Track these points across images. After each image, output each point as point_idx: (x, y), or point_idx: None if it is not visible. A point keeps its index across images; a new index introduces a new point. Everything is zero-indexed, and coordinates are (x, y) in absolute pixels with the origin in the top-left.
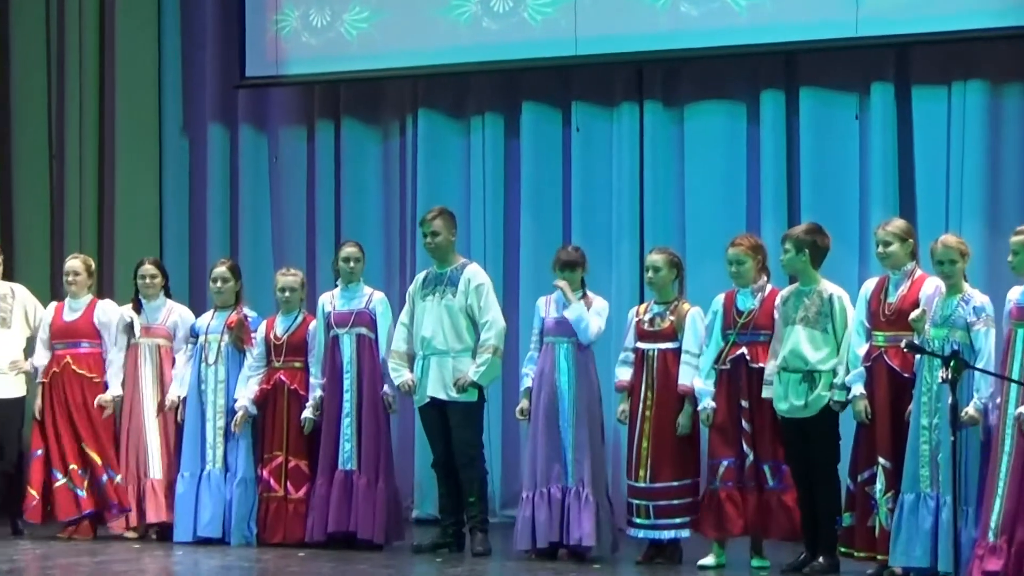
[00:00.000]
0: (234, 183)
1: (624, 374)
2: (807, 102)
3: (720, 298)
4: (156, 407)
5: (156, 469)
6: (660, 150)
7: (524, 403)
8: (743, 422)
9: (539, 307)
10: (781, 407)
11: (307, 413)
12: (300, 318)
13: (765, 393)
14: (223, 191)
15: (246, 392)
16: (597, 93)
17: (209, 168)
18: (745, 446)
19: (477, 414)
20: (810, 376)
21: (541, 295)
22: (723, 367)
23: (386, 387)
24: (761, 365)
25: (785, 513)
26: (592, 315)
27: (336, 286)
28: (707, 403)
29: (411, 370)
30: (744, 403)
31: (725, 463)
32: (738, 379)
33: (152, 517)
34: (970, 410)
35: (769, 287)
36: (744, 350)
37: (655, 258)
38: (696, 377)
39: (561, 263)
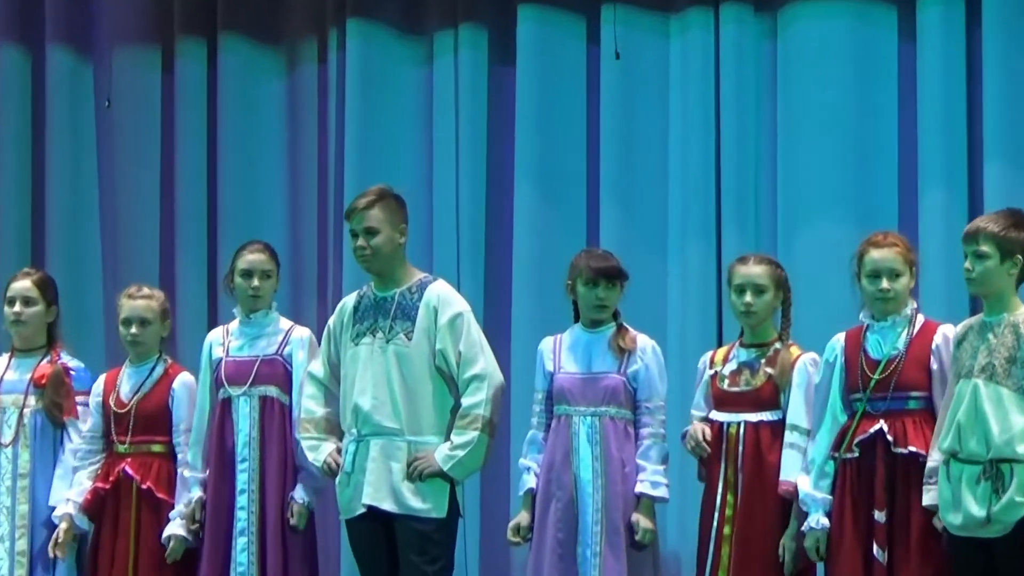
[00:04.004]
0: (38, 142)
1: (703, 426)
2: (997, 2)
3: (839, 340)
4: None
5: None
6: (747, 81)
7: (523, 516)
8: (875, 549)
9: (543, 354)
10: (951, 519)
11: (174, 528)
12: (160, 370)
13: (927, 499)
14: (20, 156)
15: (70, 493)
16: None
17: None
18: None
19: (446, 538)
20: (995, 469)
21: (547, 333)
22: (848, 455)
23: (298, 490)
24: (913, 451)
25: None
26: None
27: (234, 317)
28: (818, 520)
29: (338, 441)
30: (879, 516)
31: None
32: (871, 475)
33: None
34: None
35: (921, 318)
36: (883, 425)
37: (756, 271)
38: (801, 474)
39: (593, 272)
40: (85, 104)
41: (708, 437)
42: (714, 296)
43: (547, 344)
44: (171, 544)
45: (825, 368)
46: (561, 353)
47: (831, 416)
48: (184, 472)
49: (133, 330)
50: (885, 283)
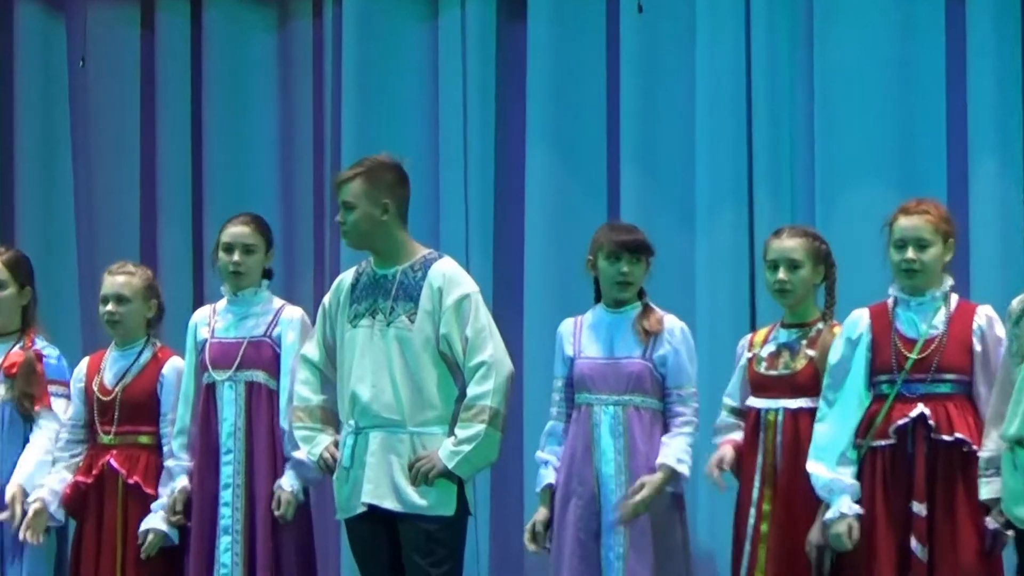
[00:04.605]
0: (6, 107)
1: (723, 452)
2: None
3: (862, 316)
4: None
5: None
6: (781, 35)
7: (541, 513)
8: (913, 543)
9: (563, 337)
10: (1021, 513)
11: (153, 522)
12: (148, 354)
13: (986, 493)
14: None
15: (48, 480)
16: None
17: None
18: None
19: (454, 539)
20: None
21: (567, 314)
22: (879, 443)
23: (286, 477)
24: (960, 437)
25: None
26: (688, 406)
27: (223, 296)
28: (843, 507)
29: (335, 433)
30: (918, 508)
31: None
32: (908, 464)
33: None
34: None
35: (955, 297)
36: (923, 409)
37: (789, 244)
38: (814, 462)
39: (615, 245)
40: (57, 64)
41: (728, 465)
42: (746, 270)
43: (567, 326)
44: (148, 538)
45: (846, 346)
46: (582, 336)
47: (856, 399)
48: (168, 462)
49: (109, 307)
50: (910, 253)
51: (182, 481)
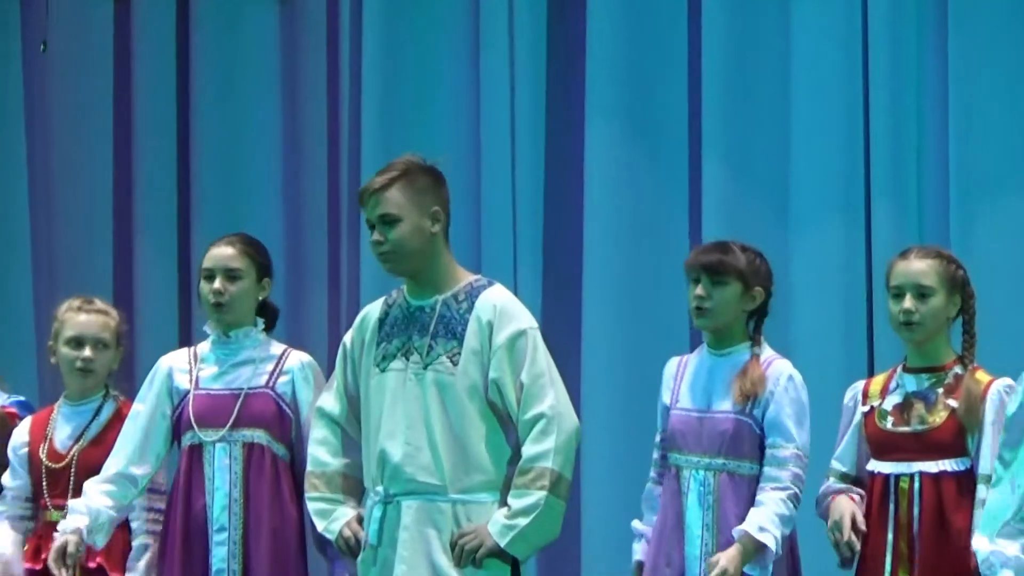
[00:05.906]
0: None
1: (853, 508)
2: None
3: None
4: None
5: None
6: (904, 21)
7: None
8: None
9: (664, 381)
10: None
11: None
12: (109, 410)
13: None
14: None
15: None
16: None
17: None
18: None
19: None
20: None
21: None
22: None
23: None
24: None
25: None
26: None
27: (207, 335)
28: None
29: (358, 505)
30: None
31: None
32: None
33: None
34: None
35: None
36: None
37: (918, 267)
38: (978, 535)
39: (689, 266)
40: (10, 49)
41: (862, 527)
42: (862, 295)
43: (670, 368)
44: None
45: (1021, 397)
46: (682, 381)
47: None
48: (71, 502)
49: (87, 353)
50: None
51: (76, 519)
